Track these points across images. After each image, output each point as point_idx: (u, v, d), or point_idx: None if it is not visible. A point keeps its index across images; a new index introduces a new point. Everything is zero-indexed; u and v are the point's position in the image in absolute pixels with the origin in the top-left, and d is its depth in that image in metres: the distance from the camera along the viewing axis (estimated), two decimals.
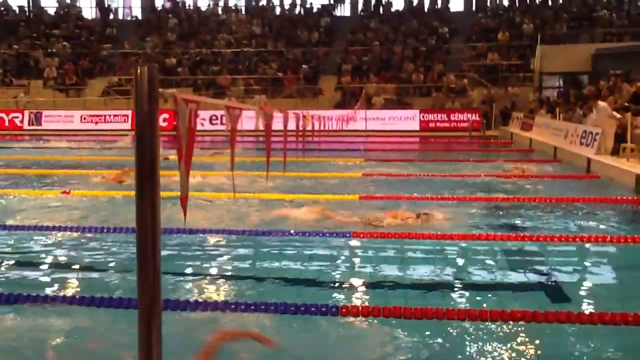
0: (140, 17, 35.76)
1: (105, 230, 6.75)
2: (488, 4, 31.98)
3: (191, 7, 35.31)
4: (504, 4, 31.88)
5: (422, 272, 5.51)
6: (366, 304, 4.57)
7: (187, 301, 4.50)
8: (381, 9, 32.96)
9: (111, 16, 35.81)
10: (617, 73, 20.75)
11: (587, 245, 6.34)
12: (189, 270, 5.55)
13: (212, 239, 6.65)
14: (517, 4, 31.46)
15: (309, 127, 11.70)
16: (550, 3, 30.66)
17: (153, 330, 1.44)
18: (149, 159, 1.45)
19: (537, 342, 3.92)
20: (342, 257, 6.02)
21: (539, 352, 3.80)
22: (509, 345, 3.85)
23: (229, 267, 5.70)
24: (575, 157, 13.36)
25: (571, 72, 24.77)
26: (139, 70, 1.41)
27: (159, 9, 35.44)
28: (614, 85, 16.72)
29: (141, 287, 1.44)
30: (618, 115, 12.93)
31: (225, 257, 6.05)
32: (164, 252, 5.44)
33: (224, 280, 5.33)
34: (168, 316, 4.18)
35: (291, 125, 8.87)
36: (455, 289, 5.04)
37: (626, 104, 14.33)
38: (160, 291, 1.46)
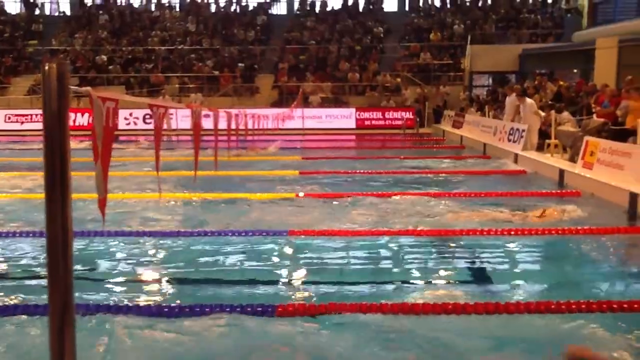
0: (68, 13, 34.43)
1: (23, 235, 6.47)
2: (420, 4, 32.68)
3: (123, 4, 34.31)
4: (436, 5, 32.67)
5: (357, 269, 5.58)
6: (303, 302, 4.58)
7: (117, 306, 4.38)
8: (317, 8, 33.11)
9: (37, 11, 34.29)
10: (542, 72, 21.72)
11: (515, 237, 6.59)
12: (122, 273, 5.41)
13: (144, 241, 6.49)
14: (448, 5, 32.32)
15: (243, 126, 11.65)
16: (479, 4, 31.65)
17: (65, 336, 1.39)
18: (59, 159, 1.40)
19: (468, 333, 4.03)
20: (279, 256, 6.01)
21: (469, 343, 3.91)
22: (441, 338, 3.95)
23: (163, 270, 5.58)
24: (503, 153, 13.87)
25: (500, 71, 25.69)
26: (47, 67, 1.35)
27: (88, 4, 34.23)
28: (539, 84, 17.47)
29: (51, 292, 1.39)
30: (542, 113, 13.49)
31: (159, 259, 5.91)
32: (94, 255, 5.27)
33: (156, 283, 5.22)
34: (94, 321, 4.08)
35: (223, 124, 8.84)
36: (389, 284, 5.13)
37: (550, 102, 15.01)
38: (73, 296, 1.42)
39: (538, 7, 30.48)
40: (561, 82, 17.28)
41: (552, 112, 13.26)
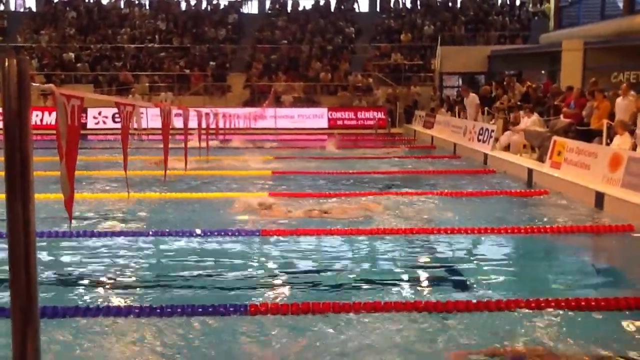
0: (34, 9, 33.67)
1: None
2: (391, 5, 32.88)
3: (91, 0, 33.71)
4: (407, 6, 32.92)
5: (330, 268, 5.57)
6: (276, 301, 4.56)
7: (86, 308, 4.30)
8: (288, 8, 33.05)
9: (1, 7, 33.45)
10: (510, 74, 22.06)
11: (486, 236, 6.67)
12: (91, 275, 5.31)
13: (116, 242, 6.38)
14: (418, 7, 32.59)
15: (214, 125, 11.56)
16: (449, 6, 31.98)
17: (28, 339, 1.35)
18: (20, 159, 1.36)
19: (442, 330, 4.05)
20: (252, 256, 5.97)
21: (443, 340, 3.93)
22: (414, 336, 3.98)
23: (134, 270, 5.49)
24: (473, 153, 14.04)
25: (469, 72, 26.00)
26: (6, 63, 1.30)
27: (55, 0, 33.52)
28: (508, 85, 17.73)
29: (14, 295, 1.35)
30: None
31: (130, 260, 5.81)
32: (63, 257, 5.14)
33: (127, 284, 5.13)
34: (63, 324, 3.99)
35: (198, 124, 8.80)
36: (362, 283, 5.14)
37: (518, 103, 15.26)
38: (37, 300, 1.38)
39: (506, 10, 30.96)
40: (529, 83, 17.56)
41: (521, 112, 13.47)
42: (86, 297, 4.69)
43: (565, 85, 15.24)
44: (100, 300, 4.62)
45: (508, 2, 31.79)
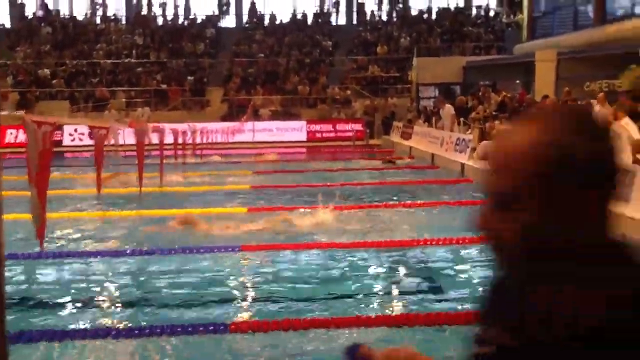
0: (8, 25, 33.28)
1: None
2: (367, 18, 33.19)
3: (66, 16, 33.44)
4: (382, 19, 33.25)
5: (310, 283, 5.54)
6: (256, 318, 4.52)
7: (62, 331, 4.22)
8: (266, 21, 33.17)
9: None
10: (485, 84, 22.37)
11: (465, 246, 6.69)
12: (67, 296, 5.21)
13: (91, 262, 6.28)
14: (394, 19, 32.94)
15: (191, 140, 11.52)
16: (424, 18, 32.37)
17: None
18: None
19: (427, 342, 4.05)
20: (231, 272, 5.92)
21: (430, 352, 3.92)
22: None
23: (110, 291, 5.41)
24: (450, 163, 14.16)
25: (445, 82, 26.30)
26: None
27: (29, 17, 33.18)
28: (483, 95, 17.96)
29: None
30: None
31: (106, 280, 5.72)
32: (35, 278, 5.03)
33: (104, 304, 5.05)
34: (39, 348, 3.91)
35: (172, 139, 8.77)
36: (340, 298, 5.13)
37: (494, 112, 15.46)
38: (5, 321, 1.35)
39: (481, 21, 31.43)
40: (504, 93, 17.81)
41: (496, 122, 13.64)
42: (60, 320, 4.60)
43: (539, 95, 15.49)
44: (76, 322, 4.53)
45: (483, 14, 32.31)
